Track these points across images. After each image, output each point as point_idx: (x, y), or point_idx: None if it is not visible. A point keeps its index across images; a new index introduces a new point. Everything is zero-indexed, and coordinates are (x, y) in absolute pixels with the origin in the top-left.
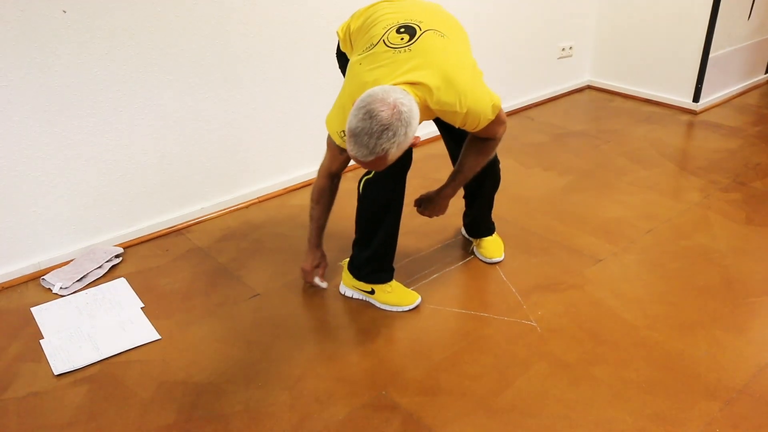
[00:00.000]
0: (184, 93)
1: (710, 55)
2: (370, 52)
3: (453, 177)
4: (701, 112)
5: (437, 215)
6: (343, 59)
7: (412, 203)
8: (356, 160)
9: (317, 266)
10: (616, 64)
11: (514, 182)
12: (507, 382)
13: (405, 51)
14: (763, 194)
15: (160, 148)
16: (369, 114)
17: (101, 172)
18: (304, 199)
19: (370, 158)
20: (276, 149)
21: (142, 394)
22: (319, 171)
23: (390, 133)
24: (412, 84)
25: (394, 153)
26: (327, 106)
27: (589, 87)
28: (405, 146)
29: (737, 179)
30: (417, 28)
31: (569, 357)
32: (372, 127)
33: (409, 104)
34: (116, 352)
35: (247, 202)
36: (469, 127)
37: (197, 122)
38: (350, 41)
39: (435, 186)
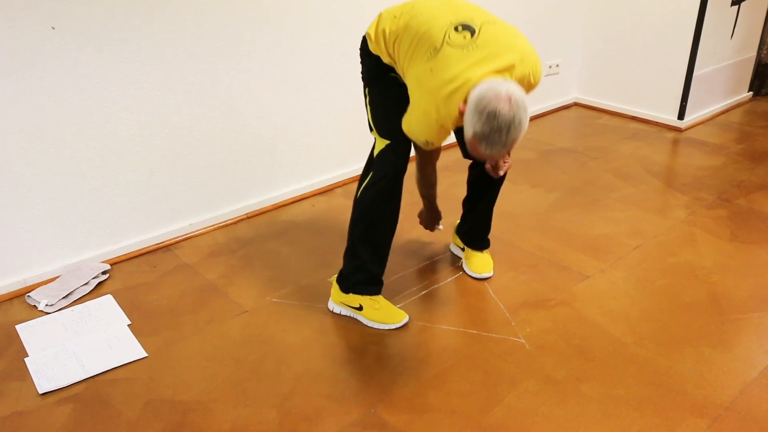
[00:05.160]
0: (172, 109)
1: (694, 74)
2: (438, 56)
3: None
4: (686, 129)
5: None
6: (370, 59)
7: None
8: (486, 157)
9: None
10: (602, 82)
11: (502, 199)
12: (496, 400)
13: (473, 47)
14: (747, 211)
15: (148, 164)
16: (492, 114)
17: (88, 188)
18: (294, 215)
19: (503, 151)
20: (265, 165)
21: (127, 412)
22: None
23: (516, 123)
24: (496, 72)
25: (521, 137)
26: (320, 122)
27: (575, 104)
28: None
29: (722, 196)
30: (473, 25)
31: (558, 374)
32: (500, 124)
33: (517, 89)
34: (102, 370)
35: (236, 218)
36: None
37: (185, 138)
38: (385, 44)
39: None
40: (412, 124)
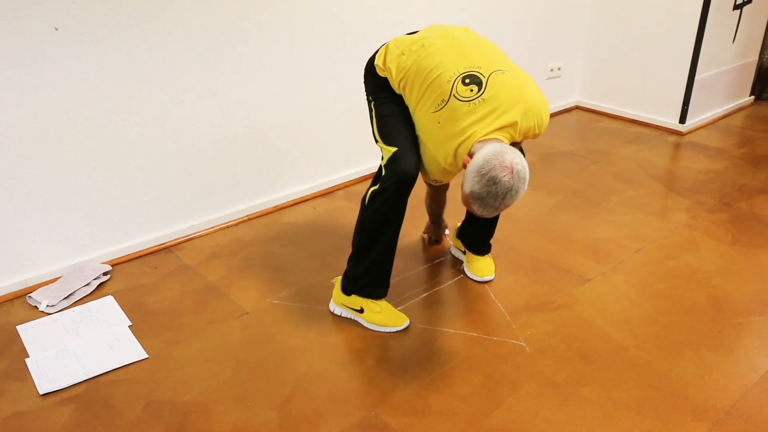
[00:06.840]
0: (174, 110)
1: (696, 77)
2: (444, 107)
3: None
4: (687, 133)
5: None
6: (376, 78)
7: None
8: (476, 214)
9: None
10: (604, 85)
11: None
12: (496, 402)
13: (480, 102)
14: (748, 215)
15: (150, 164)
16: (492, 180)
17: (90, 189)
18: (295, 217)
19: (495, 214)
20: (266, 167)
21: (128, 413)
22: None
23: (513, 192)
24: (501, 129)
25: (515, 204)
26: (322, 124)
27: (577, 107)
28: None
29: (723, 200)
30: (481, 76)
31: (558, 377)
32: (497, 191)
33: (521, 161)
34: (103, 371)
35: (236, 219)
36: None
37: (187, 139)
38: (392, 80)
39: (422, 205)
40: (423, 162)
